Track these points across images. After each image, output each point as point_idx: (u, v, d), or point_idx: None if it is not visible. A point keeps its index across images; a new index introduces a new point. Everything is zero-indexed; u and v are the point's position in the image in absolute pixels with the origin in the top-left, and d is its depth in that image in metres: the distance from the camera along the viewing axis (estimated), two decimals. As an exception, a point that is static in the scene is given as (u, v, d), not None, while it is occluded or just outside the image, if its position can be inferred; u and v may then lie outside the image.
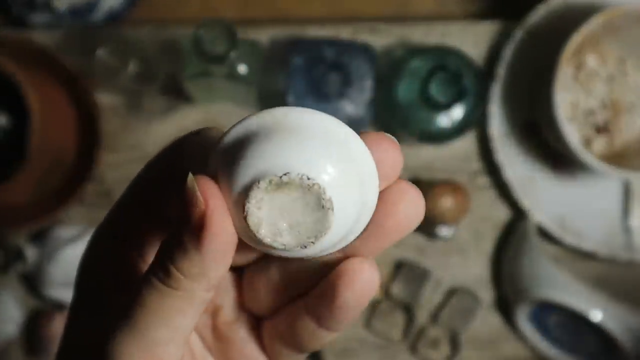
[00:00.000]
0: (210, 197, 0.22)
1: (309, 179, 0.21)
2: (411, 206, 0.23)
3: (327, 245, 0.23)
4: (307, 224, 0.22)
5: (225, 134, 0.23)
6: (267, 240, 0.22)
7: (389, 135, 0.24)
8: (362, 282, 0.24)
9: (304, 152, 0.21)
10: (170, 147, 0.26)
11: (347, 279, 0.24)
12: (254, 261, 0.27)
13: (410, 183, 0.24)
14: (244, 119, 0.22)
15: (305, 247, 0.22)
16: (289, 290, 0.26)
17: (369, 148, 0.23)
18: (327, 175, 0.22)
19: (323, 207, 0.22)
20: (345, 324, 0.25)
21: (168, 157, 0.26)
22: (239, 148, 0.22)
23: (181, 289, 0.23)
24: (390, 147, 0.23)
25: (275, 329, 0.27)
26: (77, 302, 0.27)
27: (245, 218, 0.22)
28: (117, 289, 0.26)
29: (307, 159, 0.21)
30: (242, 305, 0.28)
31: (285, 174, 0.21)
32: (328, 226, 0.22)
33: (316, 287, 0.25)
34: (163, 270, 0.23)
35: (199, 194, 0.22)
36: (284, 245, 0.22)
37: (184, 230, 0.22)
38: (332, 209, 0.22)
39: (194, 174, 0.22)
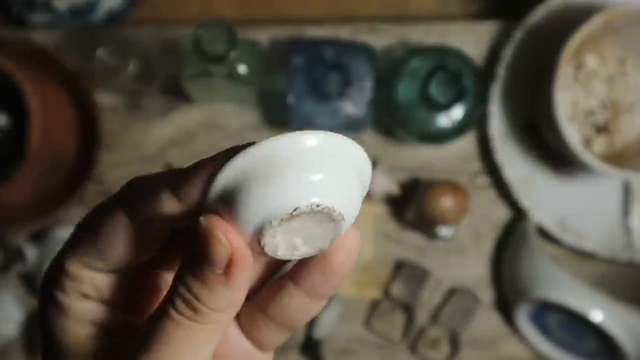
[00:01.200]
0: (233, 239, 0.22)
1: (318, 206, 0.22)
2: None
3: None
4: (320, 233, 0.23)
5: (218, 172, 0.23)
6: (286, 257, 0.23)
7: None
8: (349, 242, 0.25)
9: (303, 181, 0.22)
10: (117, 193, 0.25)
11: (336, 243, 0.25)
12: None
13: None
14: (235, 158, 0.22)
15: (322, 250, 0.24)
16: (269, 266, 0.27)
17: None
18: (329, 193, 0.22)
19: (334, 219, 0.23)
20: (335, 287, 0.26)
21: (116, 200, 0.25)
22: (239, 189, 0.22)
23: (211, 322, 0.24)
24: None
25: (260, 310, 0.27)
26: (48, 342, 0.27)
27: (262, 248, 0.23)
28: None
29: (308, 187, 0.22)
30: None
31: (294, 210, 0.22)
32: (339, 232, 0.23)
33: (303, 262, 0.26)
34: (190, 308, 0.23)
35: (220, 235, 0.22)
36: (302, 255, 0.23)
37: (208, 270, 0.23)
38: (344, 219, 0.23)
39: (201, 216, 0.23)
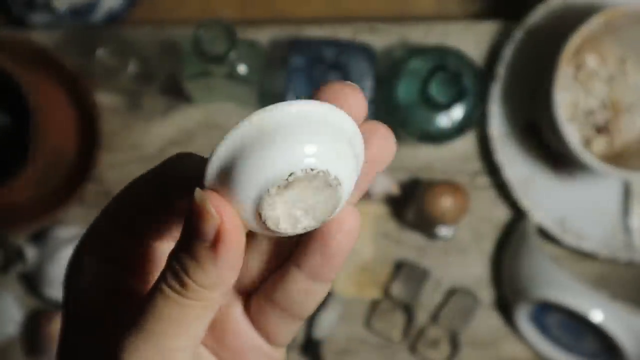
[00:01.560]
0: (224, 212, 0.22)
1: (312, 169, 0.22)
2: (382, 142, 0.26)
3: None
4: (320, 203, 0.23)
5: (213, 152, 0.23)
6: (289, 231, 0.23)
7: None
8: (348, 223, 0.25)
9: (296, 146, 0.22)
10: (159, 166, 0.26)
11: (335, 224, 0.25)
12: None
13: (379, 123, 0.26)
14: (228, 134, 0.22)
15: (325, 222, 0.24)
16: (278, 254, 0.27)
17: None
18: (323, 157, 0.23)
19: (331, 185, 0.23)
20: (337, 270, 0.26)
21: (156, 174, 0.26)
22: (235, 163, 0.22)
23: (200, 299, 0.24)
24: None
25: (268, 299, 0.27)
26: (67, 302, 0.27)
27: (264, 222, 0.23)
28: (105, 296, 0.26)
29: (300, 152, 0.22)
30: (233, 286, 0.28)
31: (290, 175, 0.22)
32: (339, 199, 0.23)
33: (304, 245, 0.26)
34: (179, 283, 0.23)
35: (211, 208, 0.22)
36: (305, 228, 0.23)
37: (198, 245, 0.23)
38: (341, 184, 0.23)
39: (197, 188, 0.23)
